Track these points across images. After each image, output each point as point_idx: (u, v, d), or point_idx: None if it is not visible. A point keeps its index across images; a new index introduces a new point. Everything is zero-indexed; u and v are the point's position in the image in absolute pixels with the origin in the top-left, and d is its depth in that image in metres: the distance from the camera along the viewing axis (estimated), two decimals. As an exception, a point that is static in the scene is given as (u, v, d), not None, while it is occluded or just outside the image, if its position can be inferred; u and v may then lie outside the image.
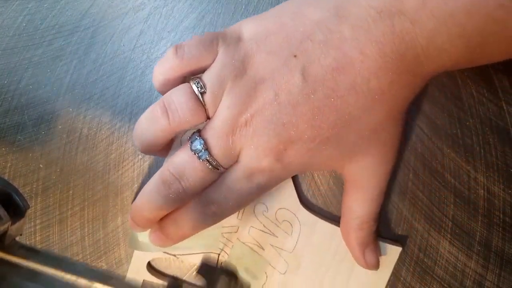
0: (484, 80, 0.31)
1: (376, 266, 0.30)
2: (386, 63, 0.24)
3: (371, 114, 0.26)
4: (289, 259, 0.31)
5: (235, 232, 0.31)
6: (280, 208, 0.31)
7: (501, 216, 0.32)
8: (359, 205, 0.29)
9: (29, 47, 0.33)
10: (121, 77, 0.33)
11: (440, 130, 0.31)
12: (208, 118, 0.27)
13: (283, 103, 0.25)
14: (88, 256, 0.32)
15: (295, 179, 0.32)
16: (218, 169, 0.27)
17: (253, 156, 0.26)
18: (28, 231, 0.32)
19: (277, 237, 0.31)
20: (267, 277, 0.31)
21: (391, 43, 0.24)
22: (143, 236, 0.31)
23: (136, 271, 0.32)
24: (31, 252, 0.20)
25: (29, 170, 0.32)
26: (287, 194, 0.31)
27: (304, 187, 0.32)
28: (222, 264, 0.32)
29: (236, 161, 0.27)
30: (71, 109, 0.33)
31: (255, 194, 0.28)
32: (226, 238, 0.32)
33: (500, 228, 0.32)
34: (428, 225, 0.32)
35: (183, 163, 0.27)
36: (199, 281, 0.32)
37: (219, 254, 0.32)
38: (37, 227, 0.32)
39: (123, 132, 0.32)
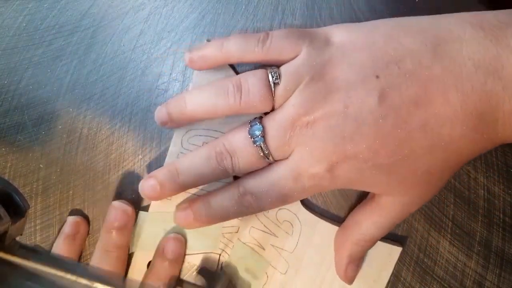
0: (484, 80, 0.31)
1: (352, 281, 0.30)
2: (464, 116, 0.24)
3: (431, 157, 0.25)
4: (290, 259, 0.31)
5: (236, 232, 0.31)
6: (281, 208, 0.31)
7: (501, 216, 0.32)
8: (371, 227, 0.29)
9: (29, 47, 0.33)
10: (121, 77, 0.33)
11: (440, 130, 0.31)
12: (273, 109, 0.27)
13: (350, 118, 0.25)
14: (88, 256, 0.32)
15: None
16: (268, 159, 0.27)
17: (306, 158, 0.26)
18: (28, 231, 0.32)
19: (277, 237, 0.31)
20: (267, 277, 0.31)
21: (477, 99, 0.24)
22: (145, 234, 0.31)
23: (136, 271, 0.32)
24: (31, 252, 0.20)
25: (29, 170, 0.32)
26: None
27: (304, 187, 0.32)
28: (223, 264, 0.32)
29: (286, 157, 0.27)
30: (71, 109, 0.33)
31: (294, 197, 0.28)
32: (227, 239, 0.32)
33: (500, 228, 0.32)
34: (428, 225, 0.32)
35: (238, 143, 0.27)
36: (199, 281, 0.32)
37: (220, 254, 0.32)
38: (37, 227, 0.32)
39: (123, 132, 0.32)
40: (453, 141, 0.25)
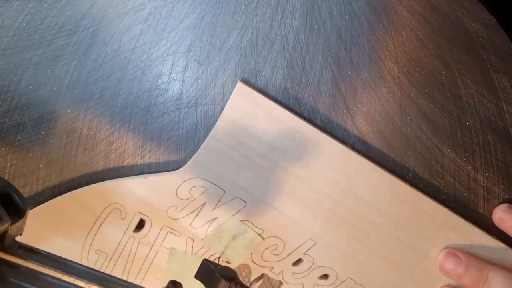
0: (484, 80, 0.31)
1: None
2: None
3: None
4: (230, 195, 0.31)
5: (193, 240, 0.32)
6: (178, 189, 0.31)
7: (501, 216, 0.32)
8: None
9: (29, 47, 0.33)
10: (121, 77, 0.33)
11: (440, 130, 0.31)
12: None
13: None
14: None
15: None
16: None
17: None
18: (28, 231, 0.32)
19: (205, 202, 0.31)
20: (248, 224, 0.32)
21: None
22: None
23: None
24: (31, 253, 0.20)
25: (29, 170, 0.32)
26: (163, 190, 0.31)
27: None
28: (221, 260, 0.32)
29: None
30: (71, 109, 0.33)
31: None
32: (205, 251, 0.32)
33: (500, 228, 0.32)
34: (428, 225, 0.32)
35: None
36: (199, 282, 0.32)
37: (219, 257, 0.32)
38: (37, 227, 0.32)
39: (123, 132, 0.32)
40: None
